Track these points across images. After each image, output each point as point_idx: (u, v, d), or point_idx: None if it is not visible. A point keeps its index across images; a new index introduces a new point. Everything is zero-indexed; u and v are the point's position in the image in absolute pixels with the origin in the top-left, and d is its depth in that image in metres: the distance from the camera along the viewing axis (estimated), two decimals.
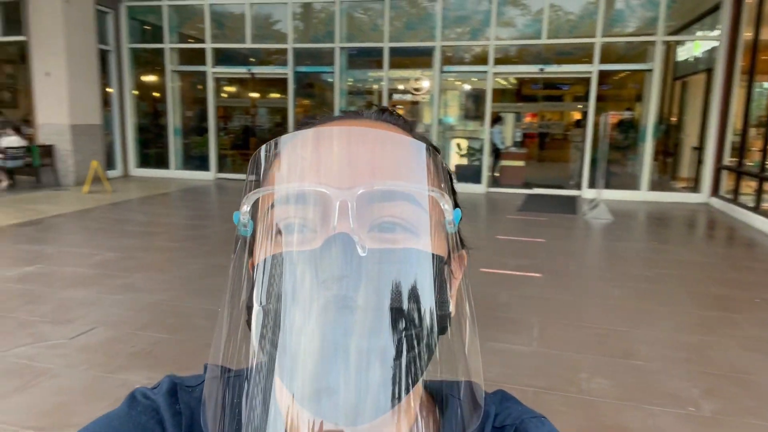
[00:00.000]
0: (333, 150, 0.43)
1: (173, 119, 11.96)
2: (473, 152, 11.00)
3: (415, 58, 10.96)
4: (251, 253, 0.46)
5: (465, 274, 0.51)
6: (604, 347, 3.48)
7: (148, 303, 4.15)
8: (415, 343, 0.39)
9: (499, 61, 10.30)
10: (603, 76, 10.00)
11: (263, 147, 0.46)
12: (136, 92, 12.19)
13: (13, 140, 9.52)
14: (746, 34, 8.47)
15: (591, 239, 7.01)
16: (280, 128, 12.50)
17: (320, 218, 0.41)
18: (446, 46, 10.45)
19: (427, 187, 0.44)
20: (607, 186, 8.55)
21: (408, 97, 11.19)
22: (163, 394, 0.52)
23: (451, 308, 0.47)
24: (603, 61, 9.70)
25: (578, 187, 10.21)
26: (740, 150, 8.45)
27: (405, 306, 0.39)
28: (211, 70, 11.52)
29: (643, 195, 9.73)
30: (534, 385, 2.99)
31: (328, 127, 0.46)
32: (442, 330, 0.43)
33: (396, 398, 0.38)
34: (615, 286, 4.77)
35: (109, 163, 11.54)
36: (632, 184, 10.00)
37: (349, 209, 0.40)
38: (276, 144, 0.45)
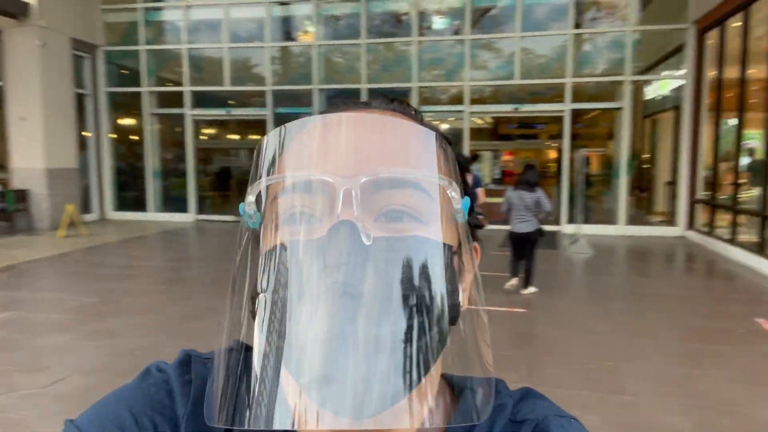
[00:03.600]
0: (337, 138, 0.43)
1: (151, 161, 11.89)
2: None
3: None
4: (256, 246, 0.44)
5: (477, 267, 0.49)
6: (593, 383, 3.46)
7: (128, 349, 4.02)
8: (421, 332, 0.38)
9: (475, 101, 10.56)
10: (576, 114, 10.29)
11: (267, 136, 0.45)
12: (114, 135, 12.13)
13: None
14: (710, 72, 8.84)
15: (573, 274, 7.05)
16: None
17: (325, 207, 0.40)
18: (423, 87, 10.68)
19: (434, 174, 0.43)
20: (586, 221, 8.68)
21: None
22: (175, 365, 0.52)
23: (463, 301, 0.46)
24: (575, 100, 10.00)
25: (557, 222, 10.36)
26: (712, 184, 8.69)
27: (410, 294, 0.38)
28: (189, 112, 11.54)
29: (621, 229, 9.89)
30: None
31: (332, 115, 0.45)
32: (452, 321, 0.42)
33: (402, 390, 0.36)
34: (601, 320, 4.78)
35: (86, 207, 11.35)
36: (610, 218, 10.17)
37: (353, 197, 0.39)
38: (280, 133, 0.44)
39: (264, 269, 0.41)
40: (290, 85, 11.30)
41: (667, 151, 10.48)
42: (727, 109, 8.32)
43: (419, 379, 0.37)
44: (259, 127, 11.59)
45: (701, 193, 9.16)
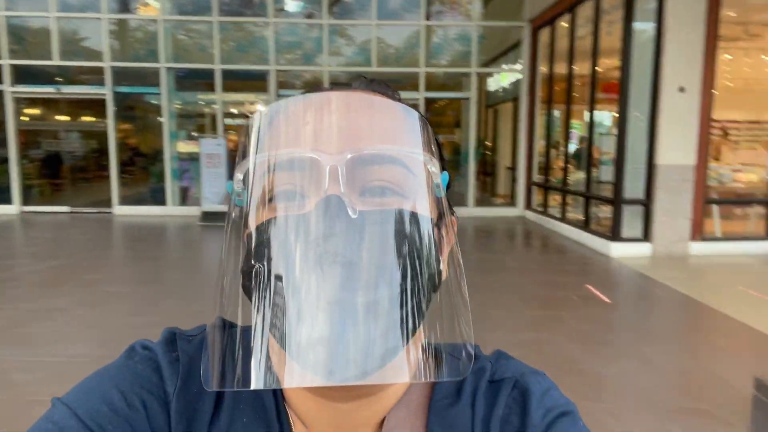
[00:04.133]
0: (323, 116, 0.44)
1: None
2: None
3: (250, 81, 10.78)
4: (246, 222, 0.46)
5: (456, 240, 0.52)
6: None
7: None
8: (405, 298, 0.40)
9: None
10: (428, 102, 10.81)
11: (255, 115, 0.46)
12: None
13: None
14: (543, 67, 9.80)
15: None
16: (97, 154, 11.34)
17: (312, 184, 0.42)
18: (280, 70, 10.45)
19: (415, 150, 0.46)
20: None
21: (241, 121, 10.91)
22: (161, 344, 0.53)
23: (444, 271, 0.48)
24: (427, 89, 10.49)
25: None
26: (545, 168, 9.69)
27: (394, 262, 0.41)
28: (9, 89, 10.07)
29: (470, 211, 10.65)
30: None
31: (318, 95, 0.46)
32: (434, 288, 0.45)
33: (390, 351, 0.39)
34: None
35: None
36: (461, 201, 10.88)
37: (340, 173, 0.42)
38: (267, 112, 0.46)
39: (255, 245, 0.43)
40: (133, 62, 10.36)
41: (508, 139, 11.46)
42: (557, 102, 9.31)
43: (406, 341, 0.40)
44: (97, 107, 10.47)
45: (536, 177, 10.17)
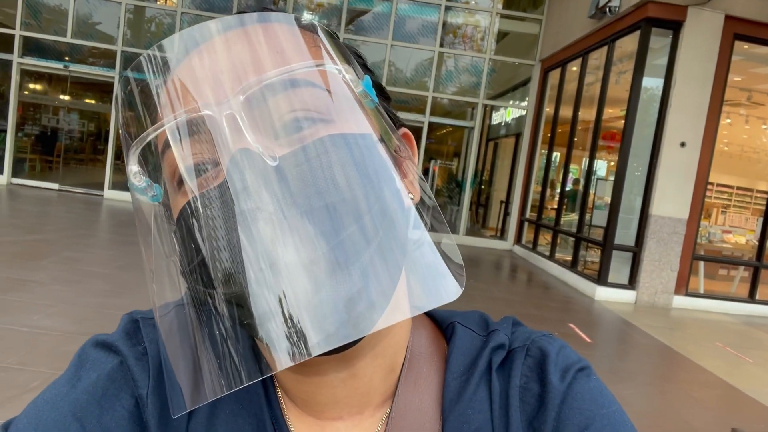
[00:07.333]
0: (195, 62, 0.37)
1: None
2: None
3: None
4: (167, 218, 0.39)
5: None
6: None
7: None
8: (374, 235, 0.34)
9: None
10: (432, 127, 10.90)
11: (120, 85, 0.39)
12: None
13: None
14: (548, 109, 9.94)
15: None
16: (94, 137, 11.29)
17: (215, 146, 0.34)
18: None
19: (316, 61, 0.38)
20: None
21: None
22: (122, 337, 0.45)
23: (413, 193, 0.41)
24: (432, 114, 10.60)
25: None
26: (539, 206, 9.76)
27: (339, 197, 0.33)
28: (17, 59, 10.03)
29: (460, 239, 10.66)
30: None
31: (177, 42, 0.39)
32: (404, 213, 0.37)
33: (375, 303, 0.33)
34: None
35: None
36: (451, 229, 10.88)
37: (240, 121, 0.34)
38: (132, 78, 0.38)
39: (179, 240, 0.36)
40: (147, 49, 10.36)
41: (505, 174, 11.55)
42: (558, 143, 9.42)
43: (388, 285, 0.34)
44: (102, 91, 10.45)
45: (529, 214, 10.23)
